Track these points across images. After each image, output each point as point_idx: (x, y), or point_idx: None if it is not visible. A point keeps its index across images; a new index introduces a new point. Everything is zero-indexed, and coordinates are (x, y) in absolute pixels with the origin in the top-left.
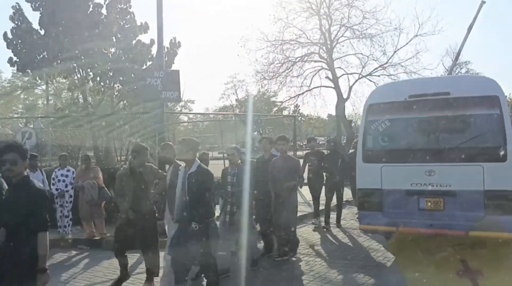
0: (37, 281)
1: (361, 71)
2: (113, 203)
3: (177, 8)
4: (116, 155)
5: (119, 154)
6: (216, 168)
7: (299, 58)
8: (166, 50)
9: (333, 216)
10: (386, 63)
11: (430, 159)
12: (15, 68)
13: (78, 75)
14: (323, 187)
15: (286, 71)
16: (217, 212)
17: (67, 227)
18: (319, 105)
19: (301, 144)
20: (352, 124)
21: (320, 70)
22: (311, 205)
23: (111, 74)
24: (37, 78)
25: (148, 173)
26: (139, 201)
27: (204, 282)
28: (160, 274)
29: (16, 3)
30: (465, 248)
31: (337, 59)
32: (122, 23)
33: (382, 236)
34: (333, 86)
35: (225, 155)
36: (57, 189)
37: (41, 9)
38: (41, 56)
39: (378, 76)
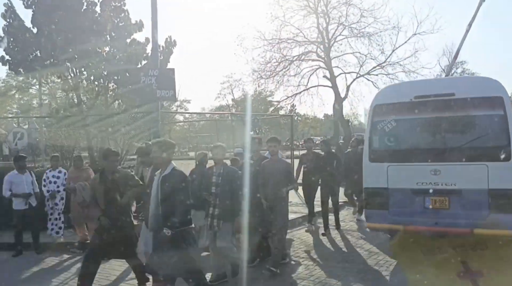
0: None
1: (359, 70)
2: None
3: (171, 6)
4: None
5: (122, 154)
6: None
7: (296, 57)
8: (161, 49)
9: (331, 217)
10: (384, 62)
11: (435, 159)
12: (7, 67)
13: (72, 75)
14: (318, 189)
15: (283, 70)
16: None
17: (59, 230)
18: (317, 104)
19: (298, 143)
20: (349, 124)
21: (317, 69)
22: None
23: (105, 73)
24: (30, 78)
25: (121, 179)
26: (112, 208)
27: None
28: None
29: (8, 0)
30: (466, 249)
31: (334, 58)
32: (116, 21)
33: (382, 238)
34: (330, 85)
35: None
36: (48, 191)
37: (33, 6)
38: (34, 55)
39: (376, 75)
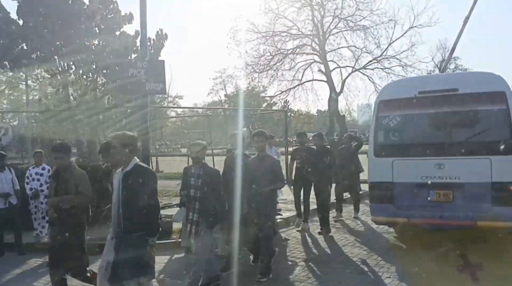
0: None
1: (354, 64)
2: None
3: (164, 1)
4: None
5: None
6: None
7: (290, 50)
8: (152, 42)
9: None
10: (381, 55)
11: (439, 153)
12: None
13: (60, 68)
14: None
15: (278, 63)
16: None
17: (43, 229)
18: (311, 99)
19: (291, 140)
20: (345, 119)
21: (312, 63)
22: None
23: (94, 67)
24: (20, 73)
25: (72, 180)
26: (59, 210)
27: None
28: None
29: None
30: (465, 242)
31: (329, 51)
32: (105, 13)
33: (380, 236)
34: (325, 79)
35: (214, 152)
36: (31, 189)
37: None
38: (20, 47)
39: (372, 69)
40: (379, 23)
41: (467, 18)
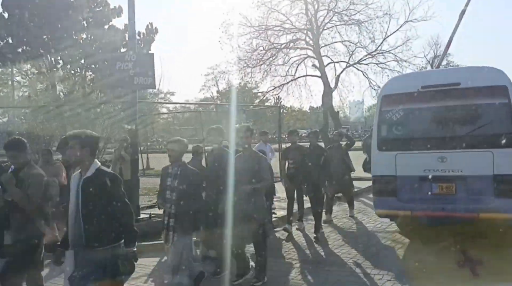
0: None
1: (349, 59)
2: None
3: None
4: None
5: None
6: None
7: (284, 45)
8: (141, 36)
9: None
10: (375, 50)
11: (442, 147)
12: None
13: (47, 63)
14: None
15: (271, 58)
16: None
17: None
18: (305, 95)
19: (284, 136)
20: (339, 115)
21: (306, 58)
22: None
23: (82, 61)
24: (1, 65)
25: (25, 180)
26: (16, 213)
27: None
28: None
29: None
30: (465, 238)
31: (323, 46)
32: (93, 6)
33: (378, 235)
34: (319, 75)
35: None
36: None
37: None
38: (5, 41)
39: (367, 64)
40: (374, 17)
41: (463, 12)
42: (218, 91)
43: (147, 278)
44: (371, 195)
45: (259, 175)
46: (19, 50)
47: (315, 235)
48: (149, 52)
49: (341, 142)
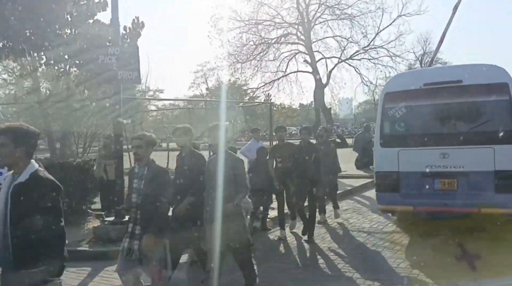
0: None
1: (341, 55)
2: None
3: None
4: (77, 146)
5: (83, 145)
6: None
7: (274, 39)
8: (127, 30)
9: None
10: (368, 45)
11: (444, 143)
12: None
13: (29, 58)
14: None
15: (261, 53)
16: None
17: None
18: (296, 92)
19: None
20: (331, 112)
21: (297, 53)
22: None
23: (66, 57)
24: None
25: None
26: None
27: None
28: None
29: None
30: (463, 232)
31: (315, 41)
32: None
33: (375, 236)
34: (310, 71)
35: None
36: None
37: None
38: None
39: (359, 60)
40: (367, 11)
41: (456, 6)
42: (207, 89)
43: None
44: (365, 193)
45: (237, 182)
46: (0, 45)
47: (306, 238)
48: (134, 45)
49: (328, 139)
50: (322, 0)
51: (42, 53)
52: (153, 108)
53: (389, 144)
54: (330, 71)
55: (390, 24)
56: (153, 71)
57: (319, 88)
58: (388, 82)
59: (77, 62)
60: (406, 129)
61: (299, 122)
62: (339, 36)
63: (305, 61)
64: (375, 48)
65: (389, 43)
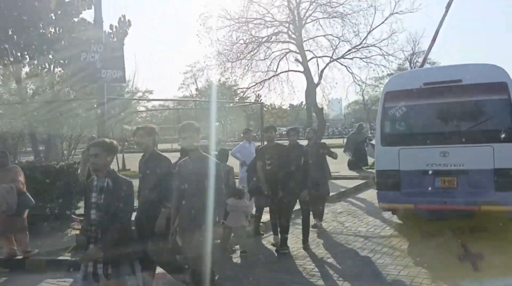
0: None
1: (332, 54)
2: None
3: None
4: (62, 149)
5: (67, 148)
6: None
7: (265, 38)
8: (114, 29)
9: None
10: (360, 44)
11: (444, 142)
12: None
13: (12, 58)
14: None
15: (252, 52)
16: None
17: None
18: (287, 92)
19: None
20: (323, 112)
21: (288, 53)
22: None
23: (50, 57)
24: None
25: None
26: None
27: None
28: None
29: None
30: (466, 232)
31: (306, 40)
32: None
33: (373, 241)
34: (302, 70)
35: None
36: None
37: None
38: None
39: (351, 59)
40: (358, 10)
41: (449, 4)
42: (197, 89)
43: None
44: (359, 195)
45: (215, 191)
46: None
47: (303, 245)
48: (118, 42)
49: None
50: None
51: (26, 53)
52: (142, 109)
53: (390, 143)
54: (322, 71)
55: (383, 22)
56: (143, 71)
57: (311, 87)
58: (389, 82)
59: (62, 61)
60: (407, 128)
61: (289, 123)
62: (331, 35)
63: (297, 60)
64: (368, 46)
65: (381, 41)
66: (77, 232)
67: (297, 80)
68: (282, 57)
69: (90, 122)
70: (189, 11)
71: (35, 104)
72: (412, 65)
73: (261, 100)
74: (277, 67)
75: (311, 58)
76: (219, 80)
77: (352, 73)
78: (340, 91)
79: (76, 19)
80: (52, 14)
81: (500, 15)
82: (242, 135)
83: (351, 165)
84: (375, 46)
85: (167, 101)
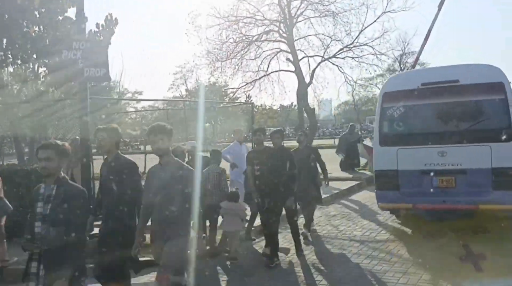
0: None
1: (324, 53)
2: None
3: None
4: None
5: None
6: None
7: (256, 37)
8: (100, 28)
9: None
10: (352, 43)
11: (442, 141)
12: None
13: None
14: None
15: (242, 51)
16: None
17: None
18: (278, 92)
19: None
20: (315, 112)
21: (279, 52)
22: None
23: (35, 56)
24: None
25: None
26: None
27: None
28: None
29: None
30: (467, 233)
31: (298, 39)
32: None
33: (369, 246)
34: (293, 70)
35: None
36: None
37: None
38: None
39: (343, 58)
40: (350, 8)
41: (441, 3)
42: (187, 90)
43: None
44: (352, 197)
45: (185, 202)
46: None
47: (297, 252)
48: (101, 39)
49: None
50: None
51: (9, 52)
52: (131, 110)
53: (388, 143)
54: (313, 70)
55: (375, 21)
56: (133, 69)
57: (303, 87)
58: (386, 82)
59: (46, 61)
60: (405, 128)
61: (279, 123)
62: (322, 34)
63: (288, 59)
64: (360, 45)
65: (373, 40)
66: None
67: (288, 80)
68: (273, 57)
69: (75, 124)
70: (181, 8)
71: (21, 106)
72: (401, 65)
73: (251, 100)
74: (268, 66)
75: (302, 58)
76: (209, 79)
77: (343, 72)
78: (332, 91)
79: (60, 17)
80: (36, 12)
81: (496, 13)
82: (232, 136)
83: (343, 166)
84: (367, 45)
85: (157, 101)
